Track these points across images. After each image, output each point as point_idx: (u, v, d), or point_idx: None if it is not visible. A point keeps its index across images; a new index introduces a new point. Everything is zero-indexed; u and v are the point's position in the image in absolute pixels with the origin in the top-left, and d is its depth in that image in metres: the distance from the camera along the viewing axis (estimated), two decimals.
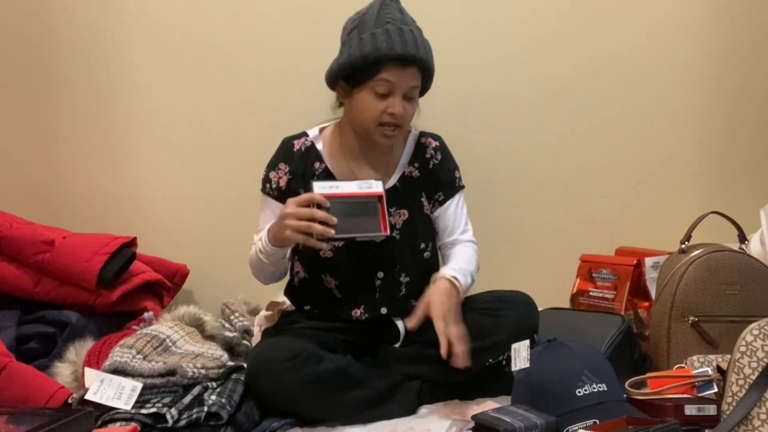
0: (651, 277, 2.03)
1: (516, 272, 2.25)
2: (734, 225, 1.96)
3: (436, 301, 1.64)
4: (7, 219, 2.03)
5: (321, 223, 1.56)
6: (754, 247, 1.94)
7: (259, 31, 2.28)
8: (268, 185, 1.80)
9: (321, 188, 1.61)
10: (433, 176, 1.84)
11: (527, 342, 1.56)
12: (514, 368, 1.54)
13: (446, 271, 1.72)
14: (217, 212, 2.32)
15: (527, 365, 1.51)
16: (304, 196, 1.60)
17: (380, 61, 1.65)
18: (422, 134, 1.88)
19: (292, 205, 1.60)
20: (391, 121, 1.70)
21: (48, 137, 2.33)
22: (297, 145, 1.80)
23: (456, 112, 2.23)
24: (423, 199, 1.83)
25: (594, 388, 1.45)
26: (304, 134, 1.82)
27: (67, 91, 2.32)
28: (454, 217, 1.85)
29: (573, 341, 1.57)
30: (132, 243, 2.10)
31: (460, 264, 1.76)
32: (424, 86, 1.77)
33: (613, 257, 2.17)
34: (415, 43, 1.67)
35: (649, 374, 1.63)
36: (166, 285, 2.18)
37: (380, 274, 1.78)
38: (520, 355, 1.54)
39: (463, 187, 1.88)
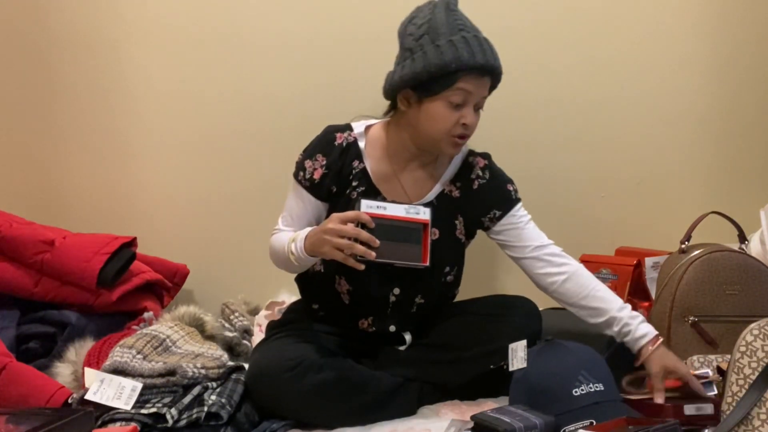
0: (651, 277, 2.03)
1: (516, 272, 2.24)
2: (734, 225, 1.96)
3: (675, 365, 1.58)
4: (7, 219, 2.03)
5: (362, 243, 1.50)
6: (754, 247, 1.94)
7: (259, 31, 2.27)
8: (302, 173, 1.71)
9: (368, 207, 1.54)
10: (476, 198, 1.76)
11: (524, 342, 1.56)
12: (511, 368, 1.54)
13: (644, 331, 1.62)
14: (217, 212, 2.32)
15: (524, 365, 1.51)
16: (350, 214, 1.52)
17: (460, 71, 1.58)
18: (471, 153, 1.80)
19: (335, 221, 1.51)
20: (464, 132, 1.64)
21: (48, 137, 2.33)
22: (339, 138, 1.71)
23: None
24: (457, 222, 1.76)
25: (591, 388, 1.45)
26: (349, 128, 1.73)
27: (67, 91, 2.31)
28: (526, 225, 1.75)
29: (570, 341, 1.57)
30: (132, 243, 2.10)
31: (618, 301, 1.68)
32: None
33: (613, 257, 2.17)
34: (493, 53, 1.62)
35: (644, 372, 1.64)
36: (166, 285, 2.18)
37: (396, 291, 1.72)
38: (518, 355, 1.54)
39: (519, 200, 1.78)
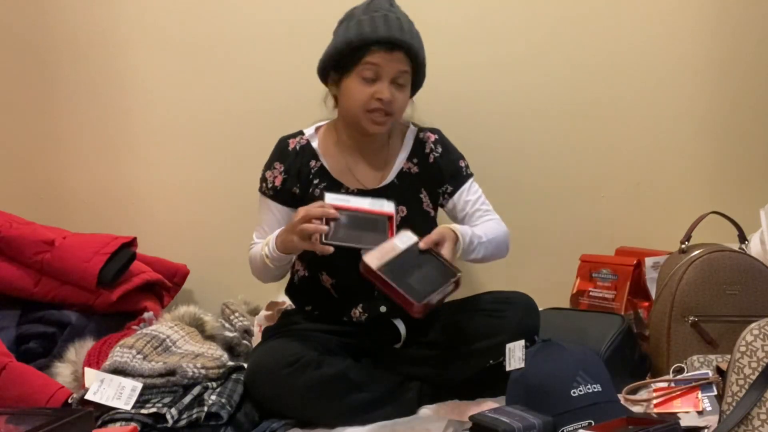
0: (651, 277, 2.03)
1: (516, 272, 2.25)
2: (734, 225, 1.96)
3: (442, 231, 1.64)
4: (7, 219, 2.03)
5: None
6: (754, 247, 1.94)
7: (259, 31, 2.27)
8: (264, 184, 1.81)
9: (333, 200, 1.61)
10: (434, 170, 1.83)
11: (522, 342, 1.56)
12: (508, 368, 1.54)
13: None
14: (217, 212, 2.32)
15: (522, 365, 1.51)
16: (315, 205, 1.60)
17: (365, 45, 1.67)
18: (420, 129, 1.87)
19: (300, 212, 1.60)
20: (380, 106, 1.70)
21: (48, 137, 2.33)
22: (292, 144, 1.81)
23: (455, 112, 2.23)
24: (422, 195, 1.82)
25: (589, 388, 1.45)
26: (300, 133, 1.83)
27: (67, 91, 2.31)
28: (472, 202, 1.82)
29: (568, 341, 1.57)
30: (132, 243, 2.10)
31: (469, 228, 1.74)
32: (416, 78, 1.77)
33: (613, 257, 2.17)
34: (401, 28, 1.69)
35: (647, 380, 1.64)
36: (166, 285, 2.18)
37: None
38: (515, 355, 1.54)
39: (471, 174, 1.86)
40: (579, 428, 1.36)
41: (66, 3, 2.29)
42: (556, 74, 2.28)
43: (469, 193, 1.83)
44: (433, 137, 1.86)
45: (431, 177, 1.83)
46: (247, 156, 2.27)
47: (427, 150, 1.84)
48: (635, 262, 2.06)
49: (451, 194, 1.83)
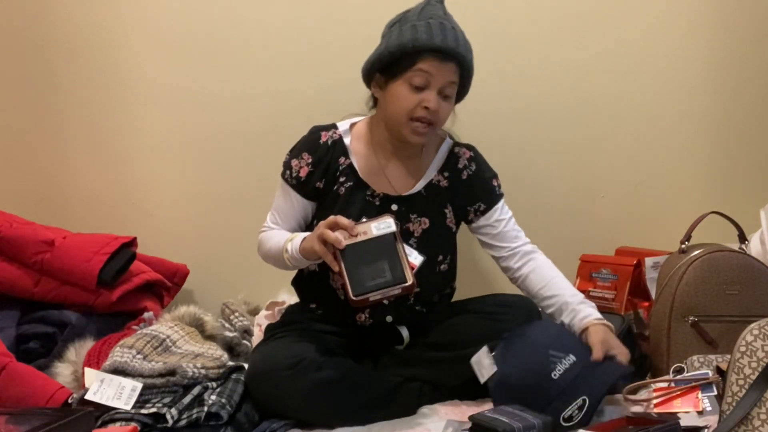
0: (651, 277, 2.03)
1: None
2: (734, 225, 1.96)
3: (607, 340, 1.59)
4: (7, 219, 2.03)
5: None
6: (754, 247, 1.94)
7: (260, 31, 2.27)
8: (288, 172, 1.75)
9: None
10: (464, 187, 1.80)
11: (484, 349, 1.56)
12: (482, 379, 1.54)
13: (591, 314, 1.65)
14: (217, 212, 2.32)
15: (495, 369, 1.51)
16: (330, 218, 1.55)
17: (418, 51, 1.62)
18: (456, 144, 1.84)
19: (322, 226, 1.54)
20: (425, 116, 1.66)
21: (48, 137, 2.33)
22: (324, 137, 1.76)
23: (454, 112, 2.23)
24: (447, 210, 1.79)
25: (565, 364, 1.46)
26: (334, 126, 1.78)
27: (67, 91, 2.31)
28: (504, 222, 1.79)
29: (526, 325, 1.59)
30: (132, 243, 2.10)
31: (571, 289, 1.72)
32: (462, 89, 1.74)
33: (613, 257, 2.17)
34: (456, 39, 1.65)
35: (647, 381, 1.64)
36: (166, 285, 2.18)
37: None
38: (483, 363, 1.55)
39: (503, 194, 1.83)
40: (575, 409, 1.37)
41: (67, 3, 2.28)
42: (555, 74, 2.27)
43: (502, 213, 1.81)
44: (468, 154, 1.82)
45: (460, 193, 1.80)
46: (247, 156, 2.28)
47: (461, 166, 1.80)
48: (635, 262, 2.06)
49: (484, 212, 1.80)
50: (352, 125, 1.80)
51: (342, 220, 1.54)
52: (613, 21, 2.27)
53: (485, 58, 2.26)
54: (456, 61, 1.66)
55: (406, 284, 1.51)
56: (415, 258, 1.62)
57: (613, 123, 2.30)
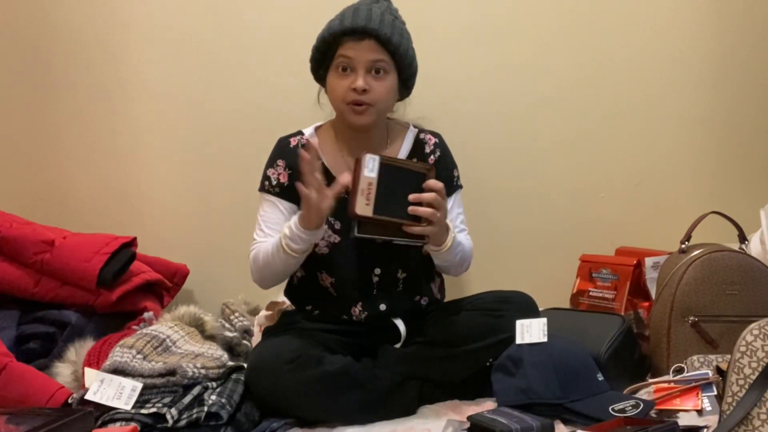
0: (651, 277, 2.03)
1: (516, 272, 2.25)
2: (734, 225, 1.96)
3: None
4: (7, 219, 2.03)
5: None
6: (754, 247, 1.94)
7: (260, 32, 2.27)
8: (267, 183, 1.80)
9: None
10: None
11: (543, 320, 1.57)
12: (520, 341, 1.55)
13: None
14: (217, 212, 2.32)
15: (544, 339, 1.52)
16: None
17: (335, 38, 1.69)
18: (421, 131, 1.87)
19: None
20: (356, 98, 1.69)
21: (48, 137, 2.33)
22: (293, 142, 1.81)
23: (455, 112, 2.23)
24: None
25: (599, 376, 1.47)
26: (300, 132, 1.84)
27: (67, 91, 2.31)
28: (455, 215, 1.83)
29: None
30: (132, 243, 2.10)
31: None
32: (403, 72, 1.75)
33: (613, 257, 2.17)
34: (369, 17, 1.69)
35: (647, 381, 1.64)
36: (166, 285, 2.18)
37: (377, 271, 1.77)
38: (532, 329, 1.56)
39: (460, 186, 1.87)
40: (628, 407, 1.40)
41: (68, 3, 2.28)
42: (555, 74, 2.27)
43: (455, 205, 1.83)
44: (433, 140, 1.86)
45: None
46: (247, 156, 2.27)
47: (427, 151, 1.84)
48: (635, 262, 2.06)
49: None
50: (317, 128, 1.86)
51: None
52: (613, 21, 2.27)
53: (485, 58, 2.28)
54: (372, 37, 1.68)
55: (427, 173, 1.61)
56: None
57: (614, 123, 2.30)
